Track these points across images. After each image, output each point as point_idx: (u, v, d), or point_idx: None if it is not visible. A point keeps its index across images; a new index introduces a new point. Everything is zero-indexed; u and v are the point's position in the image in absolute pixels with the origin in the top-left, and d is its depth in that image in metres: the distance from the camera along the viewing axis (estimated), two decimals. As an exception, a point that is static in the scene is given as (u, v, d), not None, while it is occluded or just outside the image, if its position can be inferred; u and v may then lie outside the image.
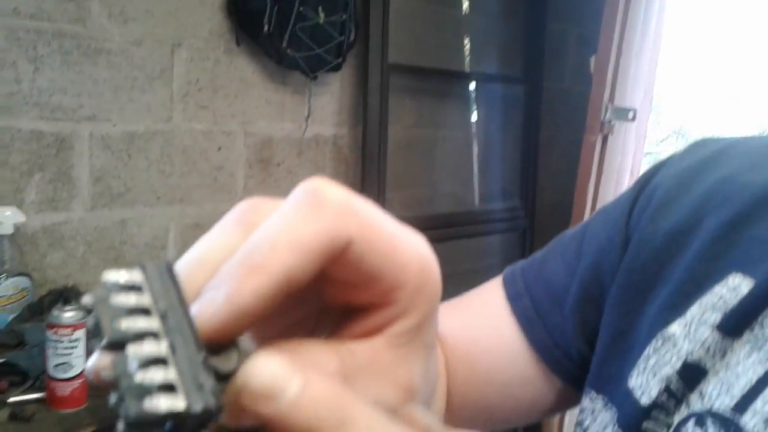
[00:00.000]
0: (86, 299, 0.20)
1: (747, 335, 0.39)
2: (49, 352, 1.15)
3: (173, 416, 0.19)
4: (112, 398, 0.19)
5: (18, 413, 1.12)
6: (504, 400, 0.52)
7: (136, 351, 0.19)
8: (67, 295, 1.44)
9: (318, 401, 0.19)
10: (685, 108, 2.63)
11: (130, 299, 0.20)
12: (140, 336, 0.20)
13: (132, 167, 1.72)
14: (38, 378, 1.22)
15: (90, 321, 0.20)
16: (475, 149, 2.60)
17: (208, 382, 0.20)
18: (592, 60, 2.14)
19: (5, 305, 1.42)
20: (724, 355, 0.40)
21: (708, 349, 0.40)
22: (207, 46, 1.81)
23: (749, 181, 0.43)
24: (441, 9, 2.41)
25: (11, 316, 1.42)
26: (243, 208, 0.24)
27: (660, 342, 0.42)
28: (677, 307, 0.42)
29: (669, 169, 0.49)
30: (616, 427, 0.44)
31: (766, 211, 0.41)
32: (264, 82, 1.94)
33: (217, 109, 1.86)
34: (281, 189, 2.02)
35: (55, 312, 1.15)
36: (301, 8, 1.86)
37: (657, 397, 0.42)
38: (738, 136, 0.49)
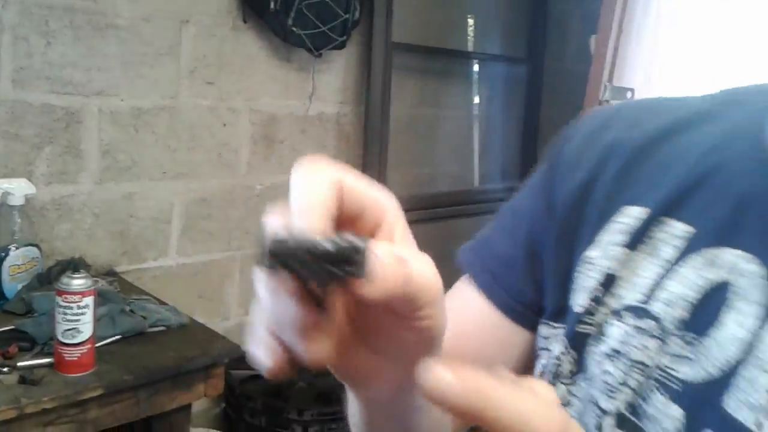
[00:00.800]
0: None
1: (643, 247, 0.53)
2: (59, 318, 1.18)
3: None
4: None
5: (27, 377, 1.16)
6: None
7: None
8: (75, 266, 1.48)
9: None
10: (684, 89, 2.65)
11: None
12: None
13: (139, 142, 1.75)
14: (46, 344, 1.26)
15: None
16: (476, 129, 2.63)
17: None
18: (593, 40, 2.17)
19: (15, 274, 1.46)
20: (630, 264, 0.53)
21: (619, 261, 0.54)
22: (214, 23, 1.83)
23: (629, 137, 0.57)
24: (445, -12, 2.42)
25: (21, 285, 1.46)
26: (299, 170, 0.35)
27: (584, 265, 0.56)
28: (593, 236, 0.56)
29: (573, 138, 0.61)
30: (564, 339, 0.56)
31: (642, 157, 0.56)
32: (269, 59, 1.96)
33: (222, 86, 1.88)
34: (284, 165, 2.05)
35: (64, 279, 1.18)
36: (308, -13, 1.88)
37: (587, 305, 0.54)
38: (622, 102, 0.58)
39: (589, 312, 0.54)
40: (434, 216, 2.38)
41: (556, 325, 0.58)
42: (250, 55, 1.92)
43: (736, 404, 0.46)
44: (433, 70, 2.47)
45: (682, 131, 0.56)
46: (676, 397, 0.49)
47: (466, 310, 0.63)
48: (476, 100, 2.64)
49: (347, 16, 2.00)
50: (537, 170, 0.64)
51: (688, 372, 0.49)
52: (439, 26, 2.43)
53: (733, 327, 0.48)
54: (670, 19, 2.25)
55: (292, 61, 2.01)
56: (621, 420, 0.51)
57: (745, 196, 0.50)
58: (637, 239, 0.53)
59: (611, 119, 0.60)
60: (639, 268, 0.53)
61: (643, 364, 0.51)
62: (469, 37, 2.54)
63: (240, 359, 1.82)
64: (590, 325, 0.54)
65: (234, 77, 1.90)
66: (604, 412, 0.52)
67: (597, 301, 0.54)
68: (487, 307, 0.62)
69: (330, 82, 2.13)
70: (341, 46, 2.04)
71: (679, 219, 0.53)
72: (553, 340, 0.58)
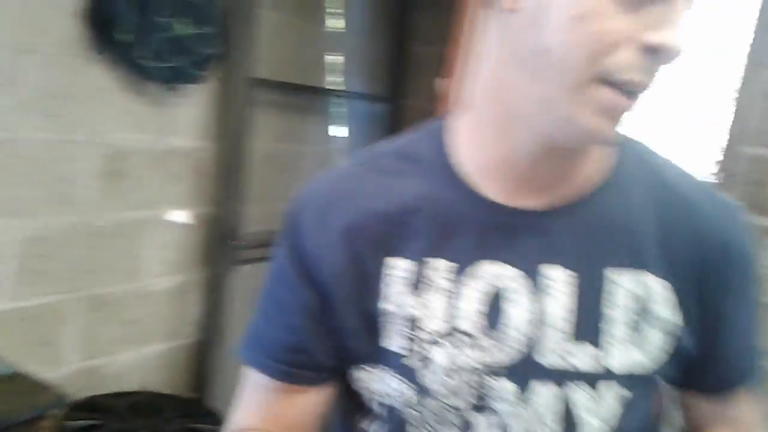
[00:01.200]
0: None
1: (424, 286, 0.67)
2: None
3: None
4: None
5: None
6: None
7: None
8: None
9: None
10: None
11: None
12: None
13: (-31, 178, 1.62)
14: None
15: None
16: (336, 164, 2.65)
17: None
18: (438, 82, 2.26)
19: None
20: (422, 303, 0.67)
21: (412, 305, 0.68)
22: (60, 53, 1.73)
23: (362, 217, 0.69)
24: (309, 26, 2.44)
25: None
26: None
27: (386, 316, 0.69)
28: (377, 290, 0.69)
29: (303, 233, 0.71)
30: (393, 375, 0.69)
31: (379, 227, 0.69)
32: (121, 92, 1.88)
33: (67, 119, 1.78)
34: (132, 202, 1.97)
35: None
36: (164, 18, 1.82)
37: (405, 345, 0.68)
38: (303, 201, 0.74)
39: (410, 349, 0.67)
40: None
41: (370, 368, 0.71)
42: (101, 87, 1.83)
43: (543, 356, 0.66)
44: (297, 106, 2.47)
45: (404, 208, 0.70)
46: (505, 376, 0.66)
47: (270, 400, 0.75)
48: (339, 135, 2.67)
49: (206, 50, 1.96)
50: (279, 265, 0.74)
51: (504, 356, 0.67)
52: (304, 63, 2.44)
53: (518, 312, 0.67)
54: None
55: (147, 95, 1.94)
56: (477, 408, 0.67)
57: (466, 220, 0.69)
58: (416, 283, 0.68)
59: (326, 209, 0.71)
60: (430, 303, 0.68)
61: (472, 367, 0.67)
62: (331, 75, 2.57)
63: (79, 407, 1.72)
64: (413, 359, 0.68)
65: (81, 110, 1.81)
66: (459, 409, 0.67)
67: (412, 339, 0.67)
68: (282, 389, 0.74)
69: (187, 116, 2.08)
70: (200, 80, 1.99)
71: (437, 257, 0.68)
72: (374, 379, 0.70)
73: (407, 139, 0.75)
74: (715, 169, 1.99)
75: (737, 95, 2.01)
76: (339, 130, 2.68)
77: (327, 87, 2.58)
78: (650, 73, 0.59)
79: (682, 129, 2.14)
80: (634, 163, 0.72)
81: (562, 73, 0.58)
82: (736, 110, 2.03)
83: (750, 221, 0.74)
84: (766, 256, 0.79)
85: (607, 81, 0.58)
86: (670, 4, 0.57)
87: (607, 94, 0.58)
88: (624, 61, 0.57)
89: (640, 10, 0.56)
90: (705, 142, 2.13)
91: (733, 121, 2.03)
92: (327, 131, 2.64)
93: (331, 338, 0.71)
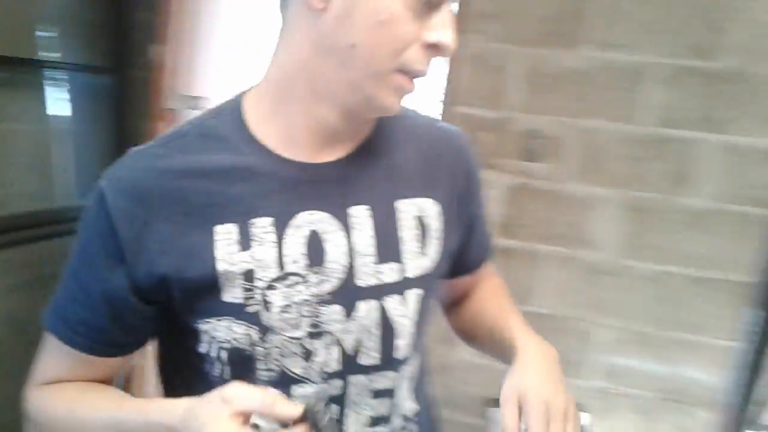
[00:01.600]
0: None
1: (253, 242, 0.80)
2: None
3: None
4: None
5: None
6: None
7: None
8: None
9: None
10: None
11: None
12: None
13: None
14: None
15: None
16: (57, 143, 2.42)
17: None
18: (155, 48, 2.17)
19: None
20: (254, 257, 0.80)
21: (245, 261, 0.80)
22: None
23: (167, 190, 0.80)
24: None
25: None
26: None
27: (225, 274, 0.80)
28: (211, 255, 0.81)
29: (112, 211, 0.78)
30: (236, 321, 0.81)
31: (204, 194, 0.80)
32: None
33: None
34: None
35: None
36: None
37: (244, 295, 0.80)
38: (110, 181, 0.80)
39: (250, 297, 0.79)
40: (10, 241, 2.12)
41: (214, 320, 0.80)
42: None
43: (360, 279, 0.83)
44: (3, 81, 2.19)
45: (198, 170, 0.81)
46: (333, 301, 0.82)
47: (71, 363, 0.85)
48: (59, 112, 2.42)
49: None
50: (85, 247, 0.81)
51: (329, 286, 0.82)
52: (11, 33, 2.16)
53: (334, 248, 0.82)
54: (237, 27, 2.35)
55: None
56: (314, 335, 0.82)
57: (271, 175, 0.82)
58: (245, 242, 0.79)
59: (141, 190, 0.79)
60: (260, 255, 0.80)
61: (305, 300, 0.81)
62: (47, 46, 2.31)
63: None
64: (254, 305, 0.80)
65: None
66: (299, 339, 0.81)
67: (251, 289, 0.79)
68: (82, 356, 0.84)
69: None
70: None
71: (259, 216, 0.80)
72: (218, 328, 0.80)
73: (203, 121, 0.84)
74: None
75: (449, 60, 2.19)
76: (58, 107, 2.44)
77: (40, 59, 2.32)
78: (430, 63, 0.79)
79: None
80: (401, 118, 0.90)
81: (367, 64, 0.75)
82: (449, 73, 2.22)
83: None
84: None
85: (402, 71, 0.77)
86: (444, 13, 0.76)
87: (401, 81, 0.78)
88: (415, 56, 0.76)
89: (424, 17, 0.75)
90: (426, 102, 2.31)
91: (447, 83, 2.22)
92: (43, 108, 2.39)
93: (139, 320, 0.83)
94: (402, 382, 0.91)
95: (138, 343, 0.86)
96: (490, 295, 1.09)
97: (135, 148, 0.82)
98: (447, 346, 2.41)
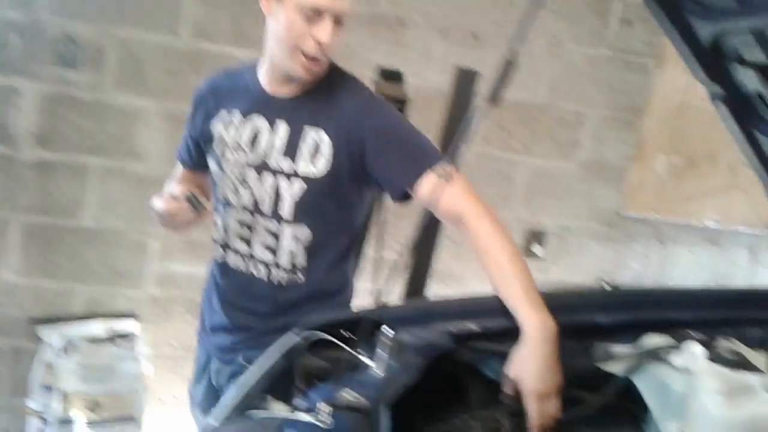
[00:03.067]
0: None
1: (245, 122, 1.49)
2: None
3: None
4: None
5: None
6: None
7: None
8: None
9: None
10: None
11: None
12: None
13: None
14: None
15: None
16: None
17: None
18: None
19: None
20: (239, 130, 1.49)
21: (228, 130, 1.51)
22: None
23: (217, 87, 1.59)
24: None
25: None
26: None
27: (218, 133, 1.54)
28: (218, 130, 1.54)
29: (199, 92, 1.59)
30: (213, 158, 1.56)
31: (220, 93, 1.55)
32: None
33: None
34: None
35: None
36: None
37: (222, 151, 1.53)
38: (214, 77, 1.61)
39: (222, 150, 1.49)
40: None
41: (209, 160, 1.55)
42: None
43: (270, 161, 1.43)
44: None
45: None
46: (254, 168, 1.45)
47: (181, 171, 1.66)
48: None
49: None
50: (189, 108, 1.59)
51: (254, 159, 1.44)
52: None
53: (263, 140, 1.44)
54: None
55: None
56: (241, 182, 1.46)
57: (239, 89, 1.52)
58: (228, 123, 1.49)
59: (207, 84, 1.58)
60: (231, 132, 1.48)
61: (241, 163, 1.46)
62: None
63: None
64: (220, 154, 1.50)
65: None
66: (236, 179, 1.47)
67: (222, 145, 1.49)
68: (187, 170, 1.65)
69: None
70: None
71: (237, 111, 1.49)
72: (210, 162, 1.55)
73: (243, 67, 1.55)
74: None
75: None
76: None
77: None
78: (321, 51, 1.36)
79: None
80: (331, 78, 1.45)
81: (285, 49, 1.37)
82: None
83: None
84: None
85: (303, 54, 1.35)
86: (326, 20, 1.33)
87: (303, 59, 1.36)
88: (310, 47, 1.34)
89: (314, 22, 1.33)
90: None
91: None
92: None
93: (197, 149, 1.59)
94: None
95: (203, 164, 1.57)
96: (483, 256, 1.23)
97: (215, 71, 1.62)
98: None
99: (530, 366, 1.06)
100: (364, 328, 0.94)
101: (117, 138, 2.33)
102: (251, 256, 1.48)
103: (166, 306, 2.54)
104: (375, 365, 0.98)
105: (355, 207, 1.50)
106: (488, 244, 1.23)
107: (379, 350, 0.99)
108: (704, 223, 2.91)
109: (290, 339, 1.06)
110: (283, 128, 1.42)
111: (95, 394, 2.33)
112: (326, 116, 1.41)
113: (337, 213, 1.46)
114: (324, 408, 0.81)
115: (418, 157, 1.37)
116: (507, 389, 1.08)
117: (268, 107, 1.45)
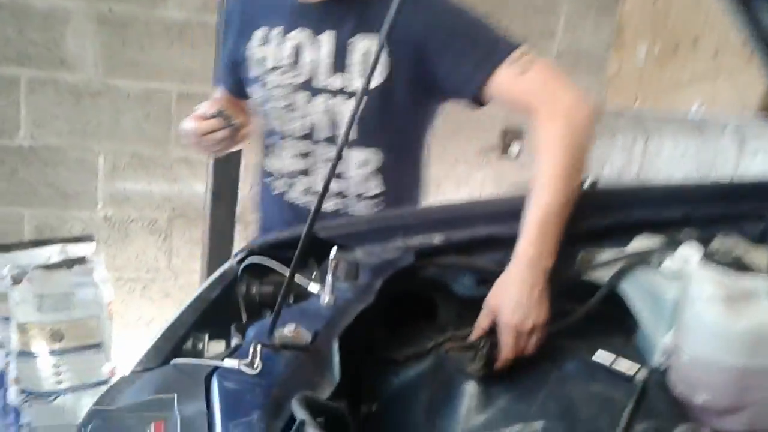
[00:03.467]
0: None
1: (285, 38, 1.30)
2: None
3: None
4: None
5: None
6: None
7: None
8: None
9: None
10: None
11: None
12: None
13: None
14: None
15: None
16: None
17: None
18: None
19: None
20: (278, 48, 1.30)
21: (271, 50, 1.32)
22: None
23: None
24: None
25: None
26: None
27: (256, 51, 1.36)
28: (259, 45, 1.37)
29: (229, 7, 1.44)
30: (254, 83, 1.38)
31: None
32: None
33: None
34: None
35: None
36: None
37: (260, 72, 1.36)
38: None
39: (263, 73, 1.31)
40: None
41: (251, 85, 1.36)
42: None
43: (318, 80, 1.25)
44: None
45: None
46: (300, 89, 1.27)
47: (221, 94, 1.48)
48: None
49: None
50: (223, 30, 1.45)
51: (301, 79, 1.27)
52: None
53: (308, 56, 1.25)
54: None
55: None
56: (288, 108, 1.29)
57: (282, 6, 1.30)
58: (266, 41, 1.30)
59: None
60: (270, 51, 1.29)
61: (287, 84, 1.28)
62: None
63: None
64: (263, 76, 1.31)
65: None
66: (283, 106, 1.30)
67: (262, 68, 1.31)
68: (227, 93, 1.48)
69: None
70: None
71: (280, 27, 1.28)
72: (253, 91, 1.37)
73: None
74: None
75: None
76: None
77: None
78: None
79: None
80: None
81: None
82: None
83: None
84: None
85: None
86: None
87: None
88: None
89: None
90: None
91: None
92: None
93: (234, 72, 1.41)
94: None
95: (242, 90, 1.40)
96: (535, 166, 1.04)
97: None
98: None
99: (511, 293, 0.93)
100: (309, 248, 0.79)
101: (43, 45, 2.09)
102: (316, 191, 1.32)
103: (122, 227, 2.38)
104: (323, 291, 0.84)
105: (422, 121, 1.33)
106: (541, 157, 1.04)
107: (328, 273, 0.84)
108: (689, 111, 2.76)
109: (225, 265, 0.91)
110: (328, 39, 1.23)
111: (54, 323, 2.21)
112: (376, 18, 1.12)
113: (404, 129, 1.30)
114: (254, 350, 0.66)
115: (489, 49, 1.16)
116: (483, 321, 0.94)
117: (308, 16, 1.24)
